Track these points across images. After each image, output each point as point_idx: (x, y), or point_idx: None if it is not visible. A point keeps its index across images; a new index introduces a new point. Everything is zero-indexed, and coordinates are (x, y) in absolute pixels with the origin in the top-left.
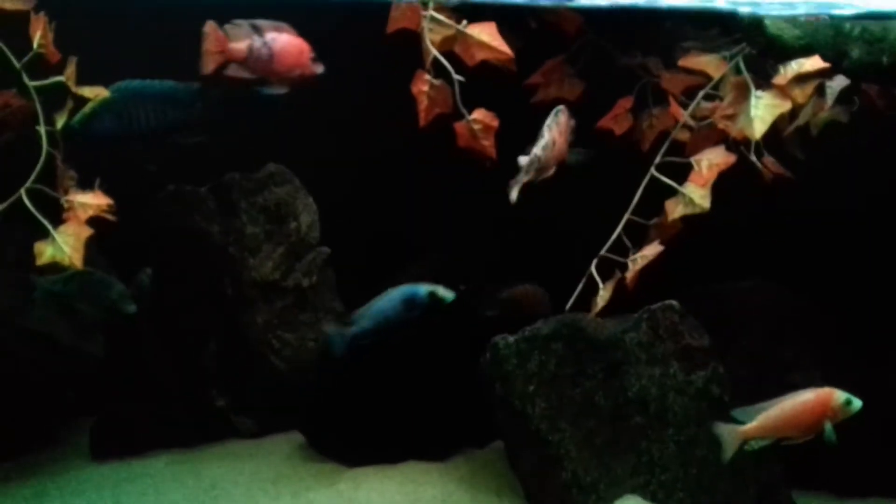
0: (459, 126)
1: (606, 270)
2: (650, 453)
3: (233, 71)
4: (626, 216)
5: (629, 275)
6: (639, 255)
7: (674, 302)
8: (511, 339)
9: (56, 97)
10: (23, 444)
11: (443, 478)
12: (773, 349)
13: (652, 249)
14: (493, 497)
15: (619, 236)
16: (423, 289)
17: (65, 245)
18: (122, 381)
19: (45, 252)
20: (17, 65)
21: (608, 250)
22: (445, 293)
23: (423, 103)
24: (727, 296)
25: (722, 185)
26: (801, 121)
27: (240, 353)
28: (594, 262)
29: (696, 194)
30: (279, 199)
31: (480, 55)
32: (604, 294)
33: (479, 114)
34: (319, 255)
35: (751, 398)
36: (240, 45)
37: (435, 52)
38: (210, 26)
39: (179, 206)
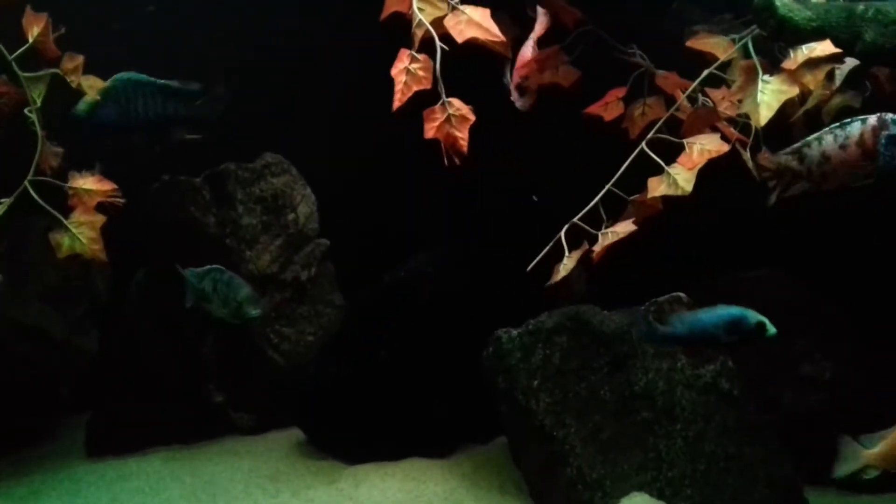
0: (432, 111)
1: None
2: (657, 449)
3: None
4: (607, 188)
5: (597, 248)
6: (610, 230)
7: (681, 293)
8: (514, 332)
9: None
10: (17, 442)
11: (445, 475)
12: (783, 341)
13: (624, 227)
14: (496, 494)
15: (597, 210)
16: (753, 316)
17: (80, 235)
18: (118, 376)
19: (63, 244)
20: (8, 56)
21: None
22: (772, 327)
23: (399, 83)
24: (737, 286)
25: (729, 174)
26: (809, 105)
27: (237, 348)
28: (564, 228)
29: (681, 176)
30: (276, 190)
31: (469, 32)
32: (567, 263)
33: (456, 102)
34: (318, 247)
35: (761, 391)
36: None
37: (422, 16)
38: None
39: (174, 196)
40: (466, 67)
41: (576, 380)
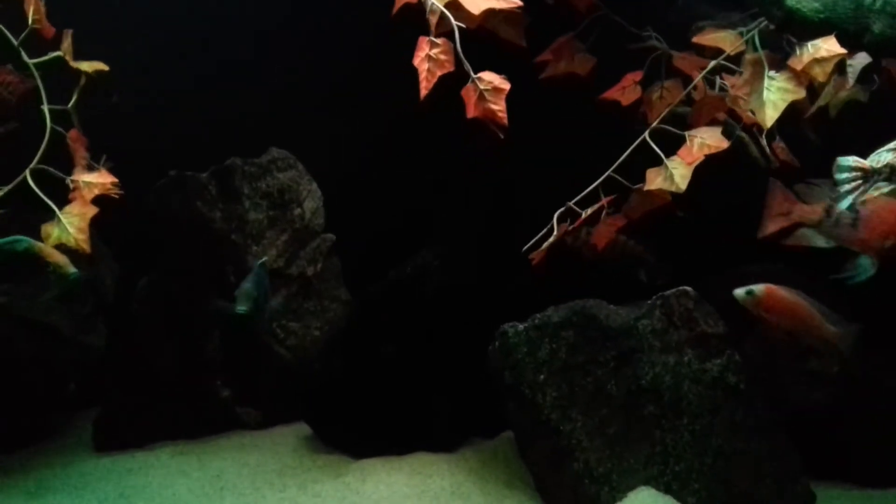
0: (467, 91)
1: None
2: (664, 443)
3: (799, 239)
4: (607, 173)
5: (575, 224)
6: (588, 209)
7: (688, 288)
8: (521, 326)
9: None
10: (25, 437)
11: (451, 469)
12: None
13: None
14: (503, 488)
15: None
16: None
17: (69, 226)
18: (126, 372)
19: (52, 234)
20: (15, 42)
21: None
22: None
23: (423, 70)
24: (742, 280)
25: (738, 166)
26: (822, 101)
27: (244, 343)
28: (558, 212)
29: (678, 172)
30: (282, 185)
31: (484, 4)
32: (550, 240)
33: (487, 75)
34: (324, 243)
35: (768, 386)
36: (814, 208)
37: (435, 1)
38: (775, 184)
39: (180, 192)
40: (481, 57)
41: (582, 374)
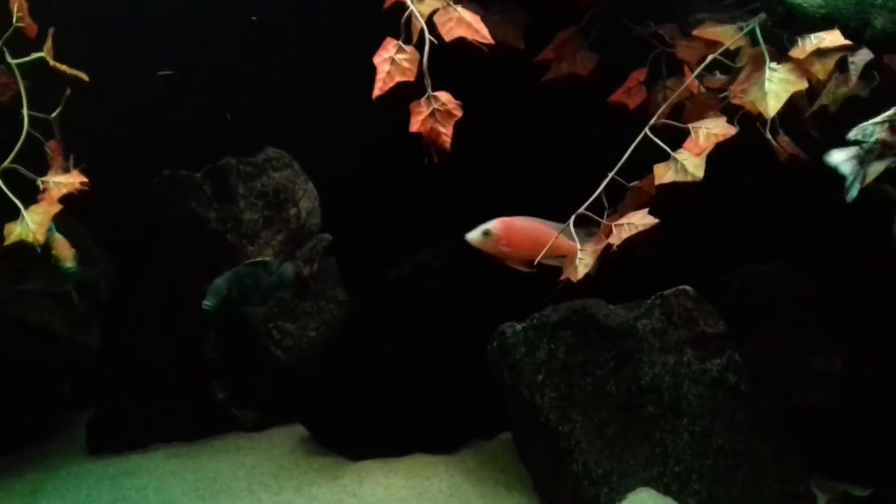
0: (417, 104)
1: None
2: (664, 444)
3: None
4: (611, 175)
5: (615, 241)
6: (626, 221)
7: (688, 287)
8: (518, 326)
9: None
10: (18, 439)
11: (449, 471)
12: (794, 335)
13: (642, 219)
14: (501, 490)
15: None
16: None
17: (32, 223)
18: (120, 373)
19: (14, 232)
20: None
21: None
22: None
23: (381, 71)
24: (746, 280)
25: (739, 166)
26: (824, 100)
27: (240, 344)
28: (571, 219)
29: (691, 163)
30: (278, 185)
31: (458, 31)
32: (584, 259)
33: (443, 95)
34: (320, 243)
35: (771, 386)
36: None
37: (415, 8)
38: None
39: (175, 192)
40: (472, 59)
41: (581, 374)
